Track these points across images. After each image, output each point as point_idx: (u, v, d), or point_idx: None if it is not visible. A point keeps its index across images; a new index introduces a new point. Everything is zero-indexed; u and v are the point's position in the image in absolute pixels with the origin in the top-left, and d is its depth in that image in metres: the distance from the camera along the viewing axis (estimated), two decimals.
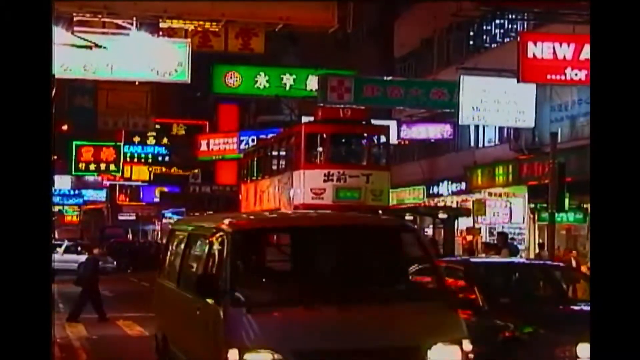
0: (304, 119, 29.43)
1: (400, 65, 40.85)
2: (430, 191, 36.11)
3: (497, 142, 32.83)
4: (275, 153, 26.85)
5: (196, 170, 58.58)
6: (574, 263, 22.06)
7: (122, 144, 56.02)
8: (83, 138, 54.52)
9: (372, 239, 9.23)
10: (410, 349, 7.79)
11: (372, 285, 8.67)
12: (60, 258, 41.27)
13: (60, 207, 78.36)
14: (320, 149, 23.61)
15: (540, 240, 26.65)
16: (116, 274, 40.74)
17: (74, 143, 54.56)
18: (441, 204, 34.87)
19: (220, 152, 50.54)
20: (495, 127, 31.70)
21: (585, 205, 24.81)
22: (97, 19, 21.80)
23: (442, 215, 28.81)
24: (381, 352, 7.71)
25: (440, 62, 36.72)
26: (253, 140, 43.21)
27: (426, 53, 38.35)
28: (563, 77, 22.17)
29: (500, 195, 31.15)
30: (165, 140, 58.35)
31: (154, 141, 58.26)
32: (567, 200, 21.46)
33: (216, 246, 8.73)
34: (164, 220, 68.97)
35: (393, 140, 30.57)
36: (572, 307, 11.29)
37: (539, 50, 22.02)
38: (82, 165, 56.12)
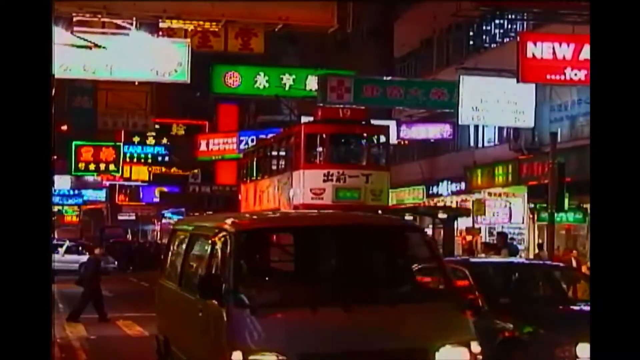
0: (304, 119, 29.42)
1: (400, 65, 40.86)
2: (430, 191, 36.12)
3: (496, 142, 32.83)
4: (275, 153, 26.84)
5: (196, 171, 58.57)
6: (574, 263, 22.07)
7: (121, 144, 56.00)
8: (83, 138, 54.50)
9: (377, 238, 9.06)
10: (417, 351, 7.66)
11: (378, 286, 8.51)
12: (62, 258, 41.30)
13: (60, 207, 78.34)
14: (319, 149, 23.60)
15: (540, 241, 26.65)
16: (116, 274, 40.74)
17: (74, 143, 54.55)
18: (441, 204, 34.86)
19: (219, 152, 50.52)
20: (494, 127, 31.71)
21: (584, 205, 24.82)
22: (97, 19, 21.79)
23: (441, 215, 28.80)
24: (388, 354, 7.58)
25: (440, 62, 36.72)
26: (253, 141, 43.17)
27: (426, 53, 38.36)
28: (563, 77, 22.18)
29: (499, 195, 31.16)
30: (164, 141, 58.33)
31: (153, 141, 58.25)
32: (566, 200, 21.48)
33: (219, 246, 8.60)
34: (164, 221, 69.03)
35: (393, 140, 30.56)
36: (572, 307, 11.28)
37: (538, 50, 22.03)
38: (81, 165, 56.09)
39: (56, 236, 50.95)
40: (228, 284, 7.81)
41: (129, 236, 71.20)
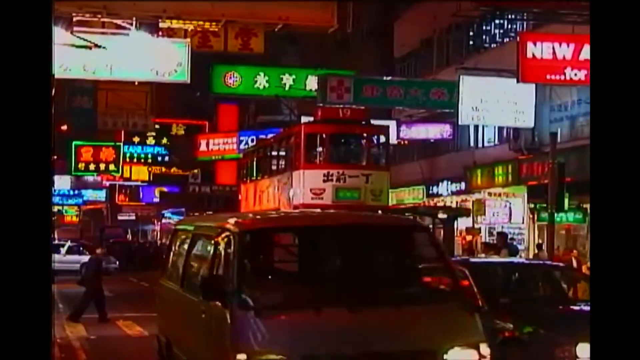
0: (304, 119, 29.42)
1: (400, 65, 40.86)
2: (430, 191, 36.12)
3: (496, 142, 32.83)
4: (274, 153, 26.84)
5: (196, 171, 58.57)
6: (574, 263, 22.06)
7: (121, 144, 56.03)
8: (83, 138, 54.52)
9: (382, 238, 8.88)
10: (425, 352, 7.51)
11: (384, 286, 8.33)
12: (63, 259, 41.35)
13: (60, 207, 78.34)
14: (319, 149, 23.59)
15: (540, 241, 26.64)
16: (117, 274, 40.71)
17: (74, 143, 54.57)
18: (441, 204, 34.86)
19: (219, 152, 50.53)
20: (494, 127, 31.72)
21: (584, 205, 24.82)
22: (97, 19, 21.79)
23: (441, 216, 28.80)
24: (395, 356, 7.44)
25: (439, 62, 36.72)
26: (253, 141, 43.17)
27: (426, 53, 38.36)
28: (562, 77, 22.19)
29: (499, 195, 31.16)
30: (164, 141, 58.36)
31: (153, 141, 58.27)
32: (566, 200, 21.48)
33: (222, 247, 8.45)
34: (164, 221, 69.03)
35: (393, 140, 30.56)
36: (572, 307, 11.29)
37: (538, 50, 22.04)
38: (81, 166, 56.12)
39: (56, 236, 50.97)
40: (232, 285, 7.68)
41: (129, 236, 71.22)
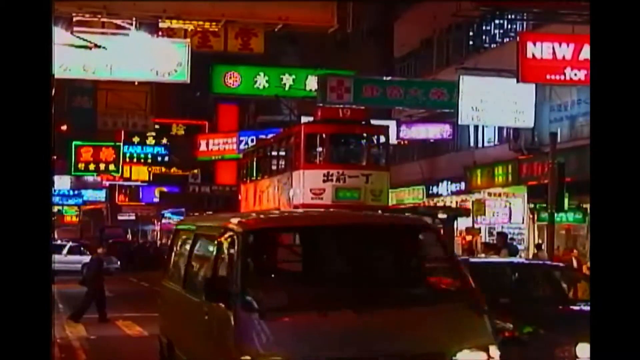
0: (304, 119, 29.41)
1: (400, 65, 40.86)
2: (430, 191, 36.13)
3: (496, 142, 32.84)
4: (274, 153, 26.83)
5: (196, 171, 58.58)
6: (575, 263, 22.06)
7: (121, 144, 56.05)
8: (82, 138, 54.56)
9: (389, 238, 8.68)
10: (433, 355, 7.34)
11: (390, 287, 8.12)
12: (64, 259, 41.41)
13: (60, 207, 78.35)
14: (319, 149, 23.58)
15: (540, 241, 26.64)
16: (118, 274, 40.70)
17: (74, 143, 54.61)
18: (441, 204, 34.87)
19: (219, 152, 50.54)
20: (494, 127, 31.72)
21: (584, 205, 24.82)
22: (97, 19, 21.79)
23: (441, 216, 28.79)
24: (403, 359, 7.26)
25: (439, 62, 36.73)
26: (252, 141, 43.18)
27: (426, 53, 38.36)
28: (562, 77, 22.19)
29: (499, 195, 31.16)
30: (164, 141, 58.36)
31: (153, 141, 58.27)
32: (566, 200, 21.47)
33: (225, 247, 8.29)
34: (164, 221, 69.04)
35: (392, 140, 30.57)
36: (571, 307, 11.29)
37: (538, 50, 22.04)
38: (81, 166, 56.16)
39: (56, 236, 51.00)
40: (235, 287, 7.53)
41: (129, 236, 71.23)
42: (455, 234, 31.30)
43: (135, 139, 57.53)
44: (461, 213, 31.33)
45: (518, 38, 23.13)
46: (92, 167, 56.46)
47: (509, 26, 31.60)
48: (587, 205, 23.99)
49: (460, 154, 34.60)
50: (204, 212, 39.12)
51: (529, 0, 23.00)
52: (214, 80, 30.88)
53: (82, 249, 44.65)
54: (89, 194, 77.85)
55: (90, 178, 71.59)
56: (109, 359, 15.77)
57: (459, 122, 27.54)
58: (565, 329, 9.71)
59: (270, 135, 32.85)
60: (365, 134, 24.12)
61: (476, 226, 32.55)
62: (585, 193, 18.51)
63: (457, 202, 34.43)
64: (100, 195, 76.79)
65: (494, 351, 7.51)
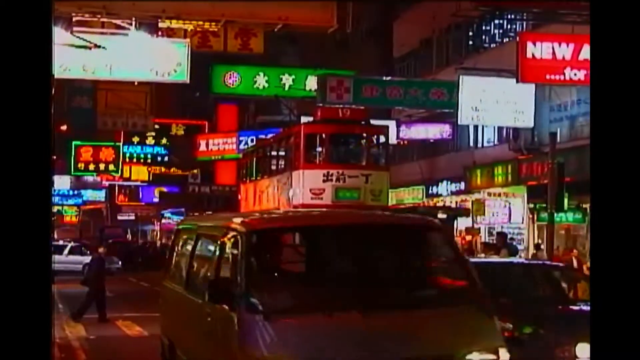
0: (303, 119, 29.42)
1: (400, 65, 40.87)
2: (430, 191, 36.13)
3: (496, 142, 32.85)
4: (274, 153, 26.82)
5: (195, 171, 58.60)
6: (575, 263, 22.05)
7: (121, 144, 56.08)
8: (82, 138, 54.57)
9: (397, 238, 8.43)
10: (442, 358, 7.18)
11: (398, 288, 7.91)
12: (65, 259, 41.46)
13: (60, 207, 78.36)
14: (319, 149, 23.58)
15: (539, 241, 26.64)
16: (119, 274, 40.70)
17: (73, 143, 54.63)
18: (440, 204, 34.87)
19: (219, 152, 50.56)
20: (494, 127, 31.73)
21: (584, 205, 24.83)
22: (96, 19, 21.80)
23: (441, 216, 28.76)
24: None
25: (439, 62, 36.73)
26: (252, 141, 43.20)
27: (425, 53, 38.37)
28: (562, 77, 22.19)
29: (499, 195, 31.17)
30: (164, 141, 58.39)
31: (153, 141, 58.31)
32: (566, 200, 21.47)
33: (228, 247, 8.13)
34: (163, 221, 69.04)
35: (392, 140, 30.58)
36: (571, 307, 11.29)
37: (538, 50, 22.04)
38: (81, 166, 56.18)
39: (56, 236, 51.02)
40: (239, 288, 7.38)
41: (129, 236, 71.22)
42: (455, 234, 31.30)
43: (135, 139, 57.56)
44: (461, 213, 31.35)
45: (518, 38, 23.14)
46: (91, 167, 56.49)
47: (509, 26, 31.61)
48: (587, 205, 24.01)
49: (460, 154, 34.61)
50: (203, 212, 39.13)
51: (528, 0, 23.00)
52: (214, 80, 30.89)
53: (83, 249, 44.68)
54: (88, 194, 77.88)
55: (90, 178, 71.63)
56: (108, 359, 15.76)
57: (459, 122, 27.54)
58: (565, 329, 9.71)
59: (270, 135, 32.85)
60: (364, 134, 24.11)
61: (476, 226, 32.55)
62: (585, 193, 18.51)
63: (456, 202, 34.43)
64: (100, 195, 76.82)
65: (504, 353, 7.35)
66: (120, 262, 44.94)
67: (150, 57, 22.77)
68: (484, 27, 33.68)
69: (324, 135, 23.34)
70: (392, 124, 32.21)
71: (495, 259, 17.25)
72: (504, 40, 31.68)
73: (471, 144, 34.70)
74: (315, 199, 22.51)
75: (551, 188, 20.49)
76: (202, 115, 56.84)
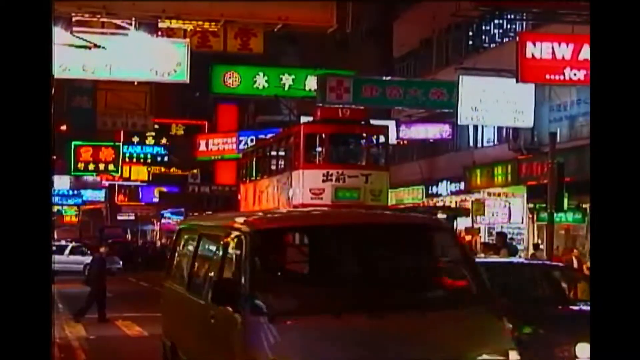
0: (303, 119, 29.43)
1: (399, 65, 40.88)
2: (429, 191, 36.13)
3: (496, 142, 32.85)
4: (274, 153, 26.83)
5: (195, 171, 58.62)
6: (575, 263, 22.04)
7: (121, 144, 56.10)
8: (82, 138, 54.60)
9: (404, 238, 8.23)
10: None
11: (406, 290, 7.73)
12: (67, 259, 41.50)
13: (59, 207, 78.36)
14: (319, 149, 23.58)
15: (539, 241, 26.64)
16: (120, 274, 40.71)
17: (73, 143, 54.65)
18: (440, 204, 34.89)
19: (219, 152, 50.58)
20: (494, 127, 31.73)
21: (584, 205, 24.83)
22: (96, 19, 21.80)
23: (441, 216, 28.79)
24: None
25: (439, 62, 36.74)
26: (252, 141, 43.21)
27: (425, 53, 38.38)
28: (562, 77, 22.20)
29: (499, 195, 31.17)
30: (164, 141, 58.43)
31: (152, 141, 58.34)
32: (566, 200, 21.47)
33: (232, 248, 7.98)
34: (163, 221, 69.05)
35: (392, 140, 30.57)
36: (571, 307, 11.30)
37: (537, 50, 22.04)
38: (81, 166, 56.20)
39: (55, 236, 51.02)
40: (243, 289, 7.22)
41: (129, 236, 71.23)
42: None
43: (135, 139, 57.60)
44: (460, 213, 31.35)
45: (517, 38, 23.14)
46: (91, 167, 56.50)
47: (509, 26, 31.61)
48: (587, 205, 24.00)
49: (460, 154, 34.61)
50: (203, 212, 39.15)
51: (528, 0, 23.00)
52: (214, 80, 30.89)
53: (84, 249, 44.70)
54: (88, 194, 77.88)
55: (89, 178, 71.65)
56: (108, 359, 15.77)
57: (459, 122, 27.55)
58: (565, 329, 9.71)
59: (269, 135, 32.86)
60: (364, 134, 24.12)
61: (475, 226, 32.55)
62: (584, 193, 18.51)
63: (456, 202, 34.44)
64: (100, 195, 76.82)
65: (514, 356, 7.18)
66: (121, 262, 44.93)
67: (150, 57, 22.77)
68: (483, 27, 33.68)
69: (323, 135, 23.35)
70: (391, 124, 32.19)
71: (495, 259, 17.26)
72: (504, 40, 31.68)
73: (471, 144, 34.71)
74: (315, 199, 22.51)
75: (551, 188, 20.48)
76: (202, 115, 56.86)
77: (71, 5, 20.12)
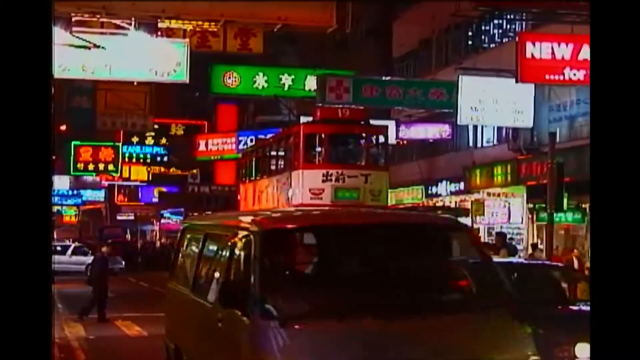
0: (303, 119, 29.43)
1: (399, 65, 40.88)
2: (429, 191, 36.13)
3: (495, 142, 32.85)
4: (273, 153, 26.83)
5: (195, 171, 58.60)
6: (576, 263, 22.04)
7: (120, 144, 56.10)
8: (82, 138, 54.59)
9: (419, 238, 7.91)
10: None
11: (421, 293, 7.40)
12: (68, 260, 41.54)
13: (59, 208, 78.32)
14: (318, 149, 23.58)
15: (539, 241, 26.63)
16: (121, 274, 40.71)
17: (73, 143, 54.64)
18: (440, 204, 34.88)
19: (218, 152, 50.58)
20: (493, 127, 31.74)
21: (583, 205, 24.83)
22: (96, 19, 21.81)
23: None
24: None
25: (438, 62, 36.74)
26: (252, 141, 43.21)
27: (425, 53, 38.38)
28: (561, 77, 22.20)
29: (498, 195, 31.18)
30: (163, 141, 58.43)
31: (152, 141, 58.34)
32: (565, 200, 21.47)
33: (240, 248, 7.69)
34: (163, 221, 69.03)
35: (392, 140, 30.57)
36: (571, 307, 11.30)
37: (537, 50, 22.05)
38: (80, 166, 56.19)
39: (55, 237, 51.04)
40: (252, 292, 6.92)
41: (128, 236, 71.20)
42: None
43: (135, 139, 57.60)
44: (460, 213, 31.30)
45: (517, 38, 23.14)
46: (91, 167, 56.50)
47: (508, 26, 31.62)
48: (586, 205, 24.01)
49: (459, 154, 34.61)
50: (203, 212, 39.16)
51: (528, 0, 23.01)
52: (213, 80, 30.90)
53: (85, 249, 44.70)
54: (88, 194, 77.83)
55: (89, 178, 71.60)
56: (108, 359, 15.77)
57: (458, 122, 27.56)
58: (565, 329, 9.71)
59: (269, 135, 32.85)
60: (364, 134, 24.12)
61: (475, 226, 32.53)
62: (584, 193, 18.52)
63: (456, 202, 34.44)
64: (100, 195, 76.77)
65: None
66: (123, 262, 44.93)
67: (149, 57, 22.78)
68: (483, 27, 33.68)
69: (323, 135, 23.34)
70: (391, 124, 32.19)
71: (494, 258, 17.24)
72: (504, 40, 31.68)
73: (470, 144, 34.71)
74: (314, 199, 22.52)
75: (550, 188, 20.49)
76: (202, 115, 56.85)
77: (71, 5, 20.14)
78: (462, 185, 32.86)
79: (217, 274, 8.31)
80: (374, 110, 29.18)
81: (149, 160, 59.60)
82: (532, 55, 21.99)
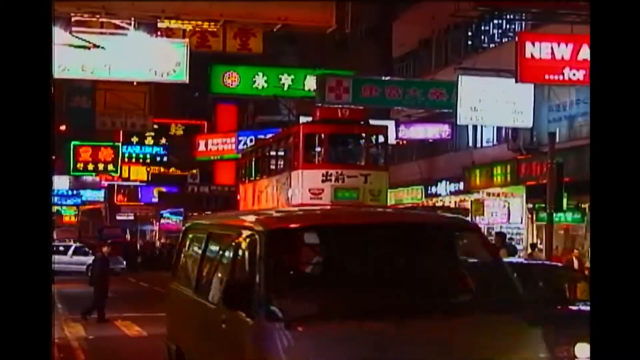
0: (302, 119, 29.45)
1: (399, 65, 40.89)
2: (429, 191, 36.14)
3: (495, 142, 32.86)
4: (273, 153, 26.84)
5: (194, 171, 58.61)
6: (576, 263, 22.04)
7: (120, 144, 56.10)
8: (81, 138, 54.61)
9: (429, 238, 7.74)
10: None
11: (432, 294, 7.22)
12: (69, 260, 41.56)
13: (59, 208, 78.32)
14: (318, 149, 23.60)
15: (539, 241, 26.65)
16: (123, 274, 40.72)
17: (72, 143, 54.65)
18: (439, 204, 34.88)
19: (218, 152, 50.60)
20: (493, 127, 31.75)
21: (583, 205, 24.84)
22: (95, 19, 21.82)
23: None
24: None
25: (438, 62, 36.75)
26: (251, 141, 43.23)
27: (424, 53, 38.39)
28: (561, 77, 22.22)
29: (498, 195, 31.18)
30: (163, 141, 58.45)
31: (152, 141, 58.35)
32: (565, 200, 21.49)
33: (244, 248, 7.54)
34: (162, 221, 69.05)
35: (391, 140, 30.58)
36: (570, 307, 11.30)
37: (537, 50, 22.06)
38: (80, 166, 56.20)
39: (55, 237, 51.05)
40: (258, 293, 6.76)
41: (128, 236, 71.21)
42: None
43: (134, 139, 57.61)
44: (460, 213, 31.28)
45: (517, 38, 23.16)
46: (90, 167, 56.51)
47: (508, 26, 31.63)
48: (586, 205, 24.01)
49: (459, 154, 34.62)
50: (202, 213, 39.15)
51: (527, 0, 23.02)
52: (213, 80, 30.92)
53: (86, 249, 44.71)
54: (87, 194, 77.85)
55: (88, 178, 71.63)
56: (107, 359, 15.77)
57: (458, 122, 27.58)
58: (564, 329, 9.71)
59: (269, 136, 32.86)
60: (364, 134, 24.14)
61: None
62: (583, 193, 18.53)
63: (455, 202, 34.44)
64: (99, 195, 76.79)
65: None
66: (124, 263, 44.94)
67: (149, 57, 22.78)
68: (483, 27, 33.69)
69: (323, 136, 23.36)
70: (391, 124, 32.19)
71: None
72: (503, 41, 31.69)
73: (470, 144, 34.72)
74: (314, 199, 22.53)
75: (550, 188, 20.50)
76: (201, 115, 56.86)
77: (70, 5, 20.14)
78: (461, 185, 32.87)
79: (220, 275, 8.17)
80: (373, 110, 29.19)
81: (148, 160, 59.61)
82: (532, 55, 22.01)
